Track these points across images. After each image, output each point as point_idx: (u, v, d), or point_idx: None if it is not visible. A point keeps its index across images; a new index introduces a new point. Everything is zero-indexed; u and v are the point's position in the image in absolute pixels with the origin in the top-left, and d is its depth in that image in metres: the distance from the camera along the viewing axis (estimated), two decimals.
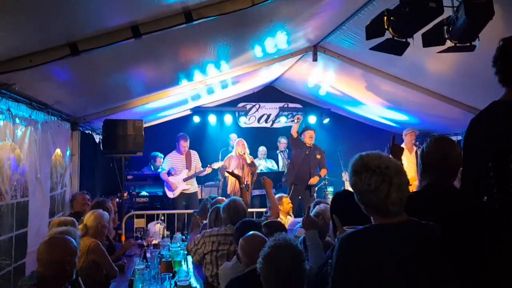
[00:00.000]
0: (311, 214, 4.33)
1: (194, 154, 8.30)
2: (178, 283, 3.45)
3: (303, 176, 7.98)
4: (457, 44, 3.70)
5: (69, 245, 2.99)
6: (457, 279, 1.89)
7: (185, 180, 8.04)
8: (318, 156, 8.13)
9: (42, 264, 2.92)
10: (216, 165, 8.26)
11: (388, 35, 3.63)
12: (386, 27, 3.58)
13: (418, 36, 3.72)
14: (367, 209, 1.93)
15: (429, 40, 3.78)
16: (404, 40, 3.66)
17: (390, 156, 2.02)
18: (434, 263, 1.82)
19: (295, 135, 8.04)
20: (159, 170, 8.45)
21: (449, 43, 3.74)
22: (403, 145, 6.59)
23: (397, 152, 3.19)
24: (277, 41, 5.56)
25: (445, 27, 3.65)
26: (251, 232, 3.22)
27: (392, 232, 1.84)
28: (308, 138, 8.06)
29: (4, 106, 3.76)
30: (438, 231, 1.89)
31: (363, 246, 1.83)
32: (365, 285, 1.79)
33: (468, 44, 3.66)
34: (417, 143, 8.28)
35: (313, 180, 7.95)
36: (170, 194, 8.05)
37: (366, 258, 1.80)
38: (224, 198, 5.75)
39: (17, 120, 4.10)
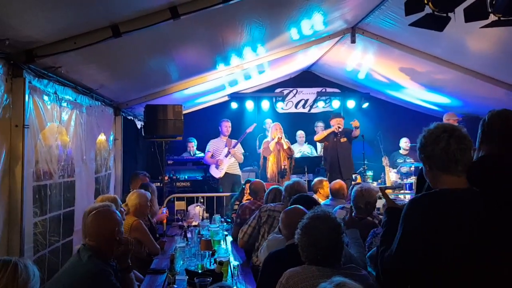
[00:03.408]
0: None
1: (236, 141, 8.41)
2: (218, 259, 3.52)
3: (334, 163, 8.11)
4: (501, 18, 3.57)
5: (114, 216, 3.04)
6: None
7: (226, 155, 8.16)
8: (343, 140, 8.18)
9: (92, 237, 2.94)
10: (251, 128, 8.50)
11: (428, 9, 3.55)
12: (426, 1, 3.49)
13: (459, 11, 3.61)
14: (430, 166, 2.00)
15: (472, 15, 3.65)
16: (445, 15, 3.57)
17: None
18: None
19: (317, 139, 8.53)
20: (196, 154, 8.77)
21: (492, 18, 3.61)
22: None
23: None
24: (314, 22, 5.51)
25: (489, 0, 3.53)
26: (293, 205, 3.20)
27: (458, 197, 1.90)
28: (337, 127, 8.16)
29: (51, 89, 3.91)
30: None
31: (427, 209, 1.91)
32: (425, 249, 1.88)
33: None
34: None
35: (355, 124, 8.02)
36: (217, 173, 8.19)
37: (429, 221, 1.88)
38: (260, 181, 5.82)
39: (64, 103, 4.25)
